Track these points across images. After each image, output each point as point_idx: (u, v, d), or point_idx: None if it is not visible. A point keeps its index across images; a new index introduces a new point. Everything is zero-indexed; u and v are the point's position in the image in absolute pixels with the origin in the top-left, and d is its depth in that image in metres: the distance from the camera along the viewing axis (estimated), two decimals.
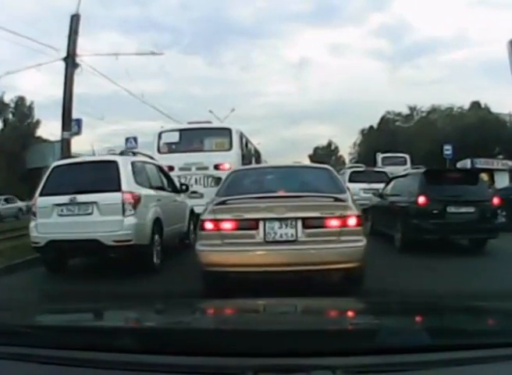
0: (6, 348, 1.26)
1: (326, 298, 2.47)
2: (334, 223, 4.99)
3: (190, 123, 14.01)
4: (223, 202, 5.30)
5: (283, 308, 1.89)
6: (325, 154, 76.50)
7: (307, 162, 63.52)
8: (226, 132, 12.93)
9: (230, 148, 12.60)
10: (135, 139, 17.43)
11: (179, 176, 11.90)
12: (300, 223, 5.01)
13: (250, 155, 16.46)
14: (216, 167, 12.17)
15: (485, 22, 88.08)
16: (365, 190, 15.24)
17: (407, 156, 25.93)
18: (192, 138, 13.09)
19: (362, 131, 59.20)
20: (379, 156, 26.70)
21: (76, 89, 13.18)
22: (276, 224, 5.02)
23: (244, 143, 14.54)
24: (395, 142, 39.00)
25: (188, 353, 1.16)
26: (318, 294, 4.85)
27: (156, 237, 7.23)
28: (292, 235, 5.01)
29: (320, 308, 1.88)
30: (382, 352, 1.15)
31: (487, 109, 42.54)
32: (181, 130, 13.20)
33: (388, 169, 25.54)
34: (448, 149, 25.82)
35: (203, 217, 5.24)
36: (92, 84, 40.67)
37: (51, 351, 1.22)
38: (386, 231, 9.65)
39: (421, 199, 8.38)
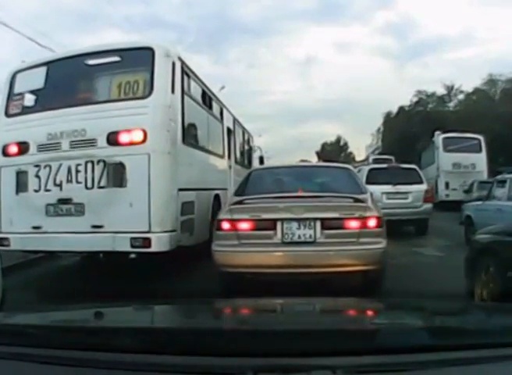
0: (6, 348, 1.24)
1: (326, 298, 2.35)
2: (353, 224, 4.82)
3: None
4: (240, 202, 5.13)
5: (283, 308, 1.89)
6: (334, 150, 72.39)
7: (314, 159, 61.10)
8: (144, 58, 5.83)
9: (150, 92, 5.69)
10: None
11: (37, 166, 5.82)
12: (319, 224, 4.84)
13: (219, 128, 8.70)
14: (113, 140, 5.59)
15: (492, 19, 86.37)
16: (390, 194, 10.72)
17: (482, 139, 18.25)
18: (71, 79, 6.25)
19: (388, 115, 43.61)
20: (439, 137, 18.69)
21: None
22: (294, 225, 4.85)
23: (200, 91, 7.34)
24: (434, 127, 25.40)
25: (188, 353, 1.15)
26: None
27: None
28: (310, 236, 4.85)
29: (320, 308, 1.88)
30: (382, 352, 1.13)
31: None
32: (50, 63, 6.26)
33: (453, 157, 18.11)
34: None
35: (219, 217, 5.09)
36: None
37: (51, 351, 1.21)
38: None
39: None
